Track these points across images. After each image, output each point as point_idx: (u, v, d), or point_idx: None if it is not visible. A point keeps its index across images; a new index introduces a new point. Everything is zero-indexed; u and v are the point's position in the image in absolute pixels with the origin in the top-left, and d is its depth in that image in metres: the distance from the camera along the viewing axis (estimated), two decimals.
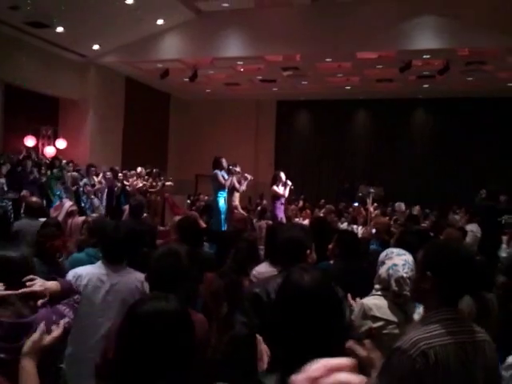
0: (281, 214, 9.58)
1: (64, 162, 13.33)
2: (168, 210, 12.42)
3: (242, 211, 9.45)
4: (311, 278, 1.62)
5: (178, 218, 5.62)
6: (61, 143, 15.33)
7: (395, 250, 2.99)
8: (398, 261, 2.86)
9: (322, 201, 13.52)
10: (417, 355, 1.81)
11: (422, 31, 13.55)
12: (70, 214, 6.09)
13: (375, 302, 2.83)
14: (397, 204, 11.76)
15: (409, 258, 2.88)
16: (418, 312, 2.86)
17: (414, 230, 4.75)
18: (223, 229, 9.06)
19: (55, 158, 13.62)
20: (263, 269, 3.62)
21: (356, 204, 12.01)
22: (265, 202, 13.83)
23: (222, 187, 9.40)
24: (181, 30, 14.96)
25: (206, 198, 14.28)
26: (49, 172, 12.21)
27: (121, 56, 15.61)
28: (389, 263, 2.88)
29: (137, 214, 5.00)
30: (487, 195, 8.32)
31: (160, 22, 14.42)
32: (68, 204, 6.60)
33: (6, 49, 12.95)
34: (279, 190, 9.64)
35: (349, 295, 2.92)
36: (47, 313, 2.14)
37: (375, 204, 12.14)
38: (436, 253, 2.05)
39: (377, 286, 2.92)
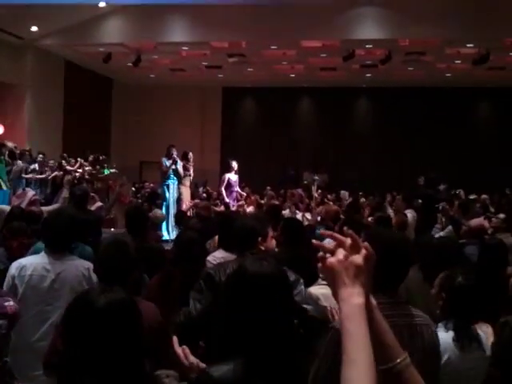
0: (232, 202, 9.64)
1: (13, 146, 12.76)
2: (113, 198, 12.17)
3: (188, 199, 9.42)
4: (264, 264, 1.67)
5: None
6: None
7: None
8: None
9: (268, 188, 13.61)
10: None
11: (365, 21, 13.84)
12: (32, 203, 5.96)
13: (322, 292, 2.87)
14: (342, 192, 11.98)
15: None
16: None
17: (354, 219, 4.89)
18: (168, 218, 9.04)
19: (1, 144, 13.05)
20: (219, 254, 3.64)
21: (298, 190, 12.14)
22: (209, 188, 13.77)
23: (163, 174, 9.41)
24: (124, 13, 14.60)
25: (152, 185, 14.10)
26: None
27: (60, 39, 15.06)
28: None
29: (81, 203, 4.89)
30: (426, 183, 8.60)
31: (102, 4, 13.99)
32: (31, 193, 6.48)
33: None
34: (232, 177, 9.70)
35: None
36: None
37: (319, 191, 12.35)
38: (371, 240, 2.10)
39: (322, 275, 2.96)
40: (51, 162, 12.55)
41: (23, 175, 11.28)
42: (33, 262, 3.18)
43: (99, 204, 6.34)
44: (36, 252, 3.67)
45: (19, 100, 15.35)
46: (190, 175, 9.87)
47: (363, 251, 1.25)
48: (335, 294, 1.21)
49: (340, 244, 1.23)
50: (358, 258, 1.23)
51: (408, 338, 1.96)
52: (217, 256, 3.62)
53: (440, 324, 2.55)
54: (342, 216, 6.04)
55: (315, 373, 1.87)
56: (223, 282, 2.55)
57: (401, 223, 5.94)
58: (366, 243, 1.30)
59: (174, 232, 8.55)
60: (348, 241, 1.24)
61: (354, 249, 1.24)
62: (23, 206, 5.89)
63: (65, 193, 10.55)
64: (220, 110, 21.13)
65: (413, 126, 18.70)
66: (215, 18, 13.72)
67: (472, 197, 8.12)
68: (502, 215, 7.07)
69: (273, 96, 19.79)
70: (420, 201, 7.94)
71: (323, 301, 2.86)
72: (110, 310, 1.53)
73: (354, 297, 1.19)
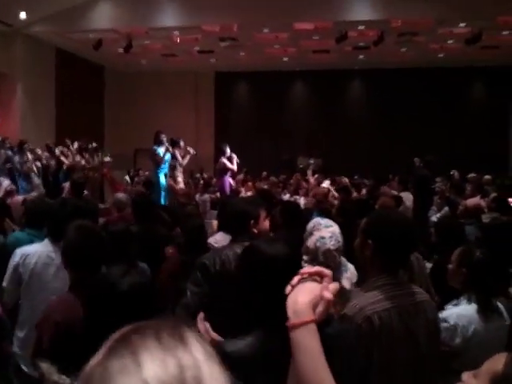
0: (228, 188, 9.60)
1: None
2: (107, 187, 12.13)
3: (182, 186, 9.37)
4: (277, 247, 1.73)
5: (120, 194, 5.54)
6: None
7: (323, 222, 3.04)
8: (326, 233, 2.93)
9: (264, 173, 13.62)
10: (362, 321, 1.89)
11: (357, 2, 13.78)
12: (8, 194, 5.93)
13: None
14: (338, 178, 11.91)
15: (335, 229, 2.95)
16: (345, 277, 3.00)
17: (353, 200, 4.89)
18: (163, 204, 8.98)
19: None
20: (220, 237, 3.68)
21: (296, 175, 12.15)
22: (205, 175, 13.76)
23: (159, 163, 9.28)
24: None
25: (147, 173, 14.04)
26: None
27: (50, 25, 14.87)
28: (316, 235, 2.94)
29: (79, 192, 4.88)
30: (424, 165, 8.59)
31: None
32: (6, 183, 6.41)
33: None
34: (228, 162, 9.64)
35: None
36: None
37: (316, 175, 12.34)
38: (378, 222, 2.13)
39: (305, 257, 2.97)
40: (38, 151, 12.39)
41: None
42: (37, 250, 3.18)
43: (84, 193, 6.33)
44: (18, 239, 3.70)
45: (11, 89, 15.19)
46: (183, 163, 9.77)
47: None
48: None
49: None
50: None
51: (414, 316, 2.01)
52: (218, 239, 3.66)
53: (462, 298, 2.67)
54: (330, 198, 6.05)
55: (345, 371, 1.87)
56: (218, 271, 2.62)
57: (384, 206, 5.90)
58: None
59: None
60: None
61: None
62: None
63: (36, 179, 10.50)
64: (213, 95, 21.00)
65: (406, 107, 18.67)
66: (206, 1, 13.58)
67: (472, 174, 8.11)
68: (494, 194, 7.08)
69: (266, 80, 19.68)
70: (414, 183, 7.94)
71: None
72: (132, 293, 1.58)
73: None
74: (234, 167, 9.77)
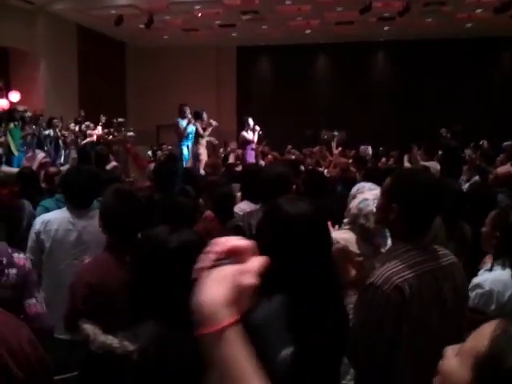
0: (251, 160, 9.57)
1: (28, 114, 12.75)
2: (131, 162, 12.16)
3: (205, 158, 9.35)
4: (301, 205, 1.64)
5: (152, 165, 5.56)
6: (14, 96, 14.64)
7: (367, 185, 2.98)
8: (369, 195, 2.85)
9: (289, 146, 13.52)
10: (391, 290, 1.79)
11: None
12: (42, 166, 5.98)
13: (343, 236, 2.81)
14: (361, 148, 11.74)
15: (379, 192, 2.86)
16: (388, 243, 2.91)
17: (381, 168, 4.78)
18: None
19: (14, 109, 13.03)
20: (245, 205, 3.61)
21: (318, 147, 11.99)
22: (229, 148, 13.67)
23: (181, 136, 9.32)
24: None
25: (170, 147, 14.04)
26: (11, 125, 11.71)
27: (71, 2, 14.82)
28: (360, 197, 2.86)
29: (102, 163, 4.88)
30: (452, 135, 8.38)
31: None
32: (41, 155, 6.52)
33: None
34: (248, 135, 9.61)
35: (329, 222, 2.91)
36: None
37: (339, 148, 12.18)
38: (402, 182, 2.00)
39: (345, 220, 2.91)
40: (71, 125, 12.59)
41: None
42: (57, 217, 3.15)
43: (114, 163, 6.34)
44: (46, 208, 3.70)
45: (34, 66, 15.25)
46: (206, 134, 9.77)
47: None
48: None
49: None
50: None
51: (442, 280, 1.92)
52: (242, 207, 3.59)
53: (496, 263, 2.56)
54: (351, 168, 5.95)
55: (371, 343, 1.82)
56: (253, 235, 2.48)
57: None
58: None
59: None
60: None
61: None
62: (34, 167, 5.90)
63: (72, 153, 10.60)
64: (235, 70, 20.81)
65: (433, 79, 18.20)
66: None
67: (508, 143, 7.85)
68: None
69: (288, 54, 19.40)
70: (441, 152, 7.75)
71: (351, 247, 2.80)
72: (182, 251, 1.52)
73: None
74: (254, 139, 9.73)
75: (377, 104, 18.90)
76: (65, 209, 3.21)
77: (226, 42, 19.57)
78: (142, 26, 16.06)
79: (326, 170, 8.21)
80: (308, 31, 18.11)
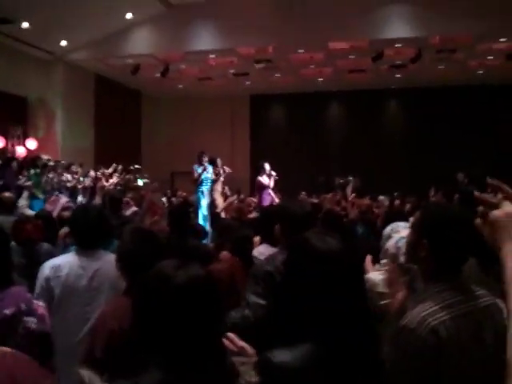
0: (267, 203, 9.52)
1: (51, 162, 13.03)
2: (145, 210, 12.14)
3: (220, 204, 9.31)
4: (330, 241, 1.52)
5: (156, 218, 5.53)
6: (31, 143, 14.90)
7: (401, 224, 2.89)
8: (406, 234, 2.74)
9: (303, 193, 13.46)
10: (426, 333, 1.65)
11: (394, 20, 13.61)
12: (65, 209, 5.93)
13: (382, 278, 2.69)
14: (380, 198, 11.64)
15: None
16: None
17: (399, 210, 4.68)
18: (203, 223, 8.94)
19: (37, 157, 13.29)
20: (264, 249, 3.46)
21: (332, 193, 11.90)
22: (242, 196, 13.64)
23: (195, 182, 9.43)
24: (151, 23, 14.70)
25: (184, 194, 14.06)
26: (32, 171, 11.94)
27: (89, 52, 15.26)
28: (396, 236, 2.73)
29: (115, 207, 4.81)
30: (470, 180, 8.24)
31: (129, 15, 14.13)
32: (64, 199, 6.47)
33: None
34: (264, 180, 9.63)
35: (368, 257, 2.78)
36: None
37: (354, 194, 12.07)
38: (432, 216, 1.88)
39: (383, 261, 2.78)
40: (91, 173, 12.80)
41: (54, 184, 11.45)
42: (68, 261, 3.02)
43: (134, 209, 6.28)
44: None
45: (51, 114, 15.56)
46: (220, 180, 9.82)
47: None
48: (498, 250, 1.07)
49: (508, 197, 1.07)
50: None
51: (482, 323, 1.76)
52: (261, 251, 3.45)
53: None
54: (374, 209, 5.85)
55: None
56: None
57: None
58: None
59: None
60: None
61: None
62: (55, 212, 5.84)
63: (97, 199, 10.58)
64: (248, 118, 21.07)
65: (446, 126, 18.20)
66: (241, 23, 13.69)
67: None
68: None
69: (301, 102, 19.64)
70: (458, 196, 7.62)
71: (382, 287, 2.65)
72: (189, 287, 1.37)
73: None
74: (271, 183, 9.73)
75: (389, 151, 18.91)
76: (73, 253, 3.08)
77: (240, 91, 19.88)
78: (157, 75, 16.39)
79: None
80: (321, 79, 18.36)
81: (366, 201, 7.39)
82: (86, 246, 3.04)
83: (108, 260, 3.02)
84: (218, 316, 1.42)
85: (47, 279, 2.94)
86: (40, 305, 2.14)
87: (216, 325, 1.40)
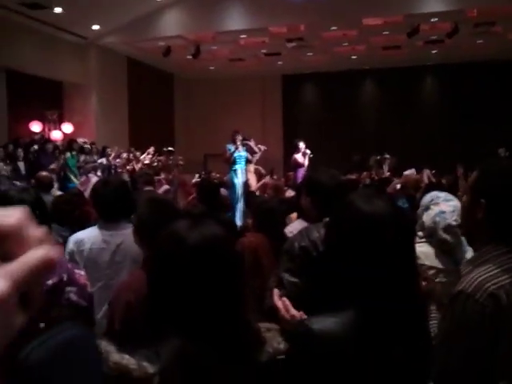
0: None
1: (87, 145, 13.26)
2: (179, 189, 12.25)
3: (254, 183, 9.30)
4: (378, 203, 1.41)
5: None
6: (67, 127, 15.15)
7: (442, 195, 2.72)
8: (446, 207, 2.60)
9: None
10: (485, 298, 1.52)
11: None
12: None
13: (422, 250, 2.56)
14: (406, 172, 11.42)
15: (457, 203, 2.60)
16: (468, 257, 2.66)
17: (439, 183, 4.57)
18: (238, 203, 8.96)
19: (73, 140, 13.51)
20: (298, 225, 3.30)
21: (366, 173, 11.77)
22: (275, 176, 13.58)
23: (227, 161, 9.39)
24: (180, 5, 14.63)
25: (218, 175, 14.10)
26: (68, 154, 12.18)
27: (121, 36, 15.33)
28: (435, 209, 2.62)
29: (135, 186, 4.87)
30: (511, 154, 8.00)
31: None
32: (95, 179, 6.55)
33: (3, 33, 12.69)
34: (300, 158, 9.60)
35: None
36: None
37: (389, 173, 11.90)
38: (490, 174, 1.72)
39: (420, 233, 2.68)
40: (124, 154, 12.99)
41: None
42: (90, 235, 3.02)
43: (166, 187, 6.32)
44: None
45: (86, 99, 15.76)
46: (254, 160, 9.80)
47: None
48: None
49: None
50: None
51: None
52: (296, 227, 3.36)
53: None
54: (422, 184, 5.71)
55: (463, 365, 1.53)
56: (321, 253, 2.08)
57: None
58: None
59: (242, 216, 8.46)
60: None
61: None
62: (87, 193, 5.89)
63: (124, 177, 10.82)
64: (281, 99, 20.88)
65: (484, 102, 17.66)
66: (272, 2, 13.48)
67: None
68: None
69: (334, 81, 19.33)
70: None
71: (424, 259, 2.57)
72: (204, 247, 1.27)
73: None
74: (306, 162, 9.68)
75: (427, 129, 18.46)
76: (96, 227, 3.08)
77: (272, 71, 19.70)
78: (189, 56, 16.38)
79: None
80: (354, 57, 18.02)
81: (415, 176, 7.18)
82: (108, 218, 3.02)
83: (130, 233, 3.03)
84: (237, 279, 1.32)
85: (71, 253, 2.97)
86: (82, 274, 2.13)
87: (236, 289, 1.32)
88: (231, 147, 9.37)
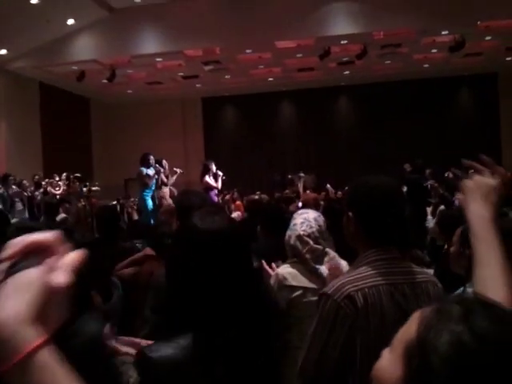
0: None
1: None
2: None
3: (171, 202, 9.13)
4: (216, 219, 1.44)
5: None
6: None
7: (300, 211, 2.90)
8: (298, 220, 2.75)
9: (258, 192, 13.45)
10: (341, 299, 1.63)
11: (338, 17, 13.77)
12: None
13: (289, 271, 2.68)
14: (328, 186, 11.78)
15: (310, 215, 2.76)
16: (322, 267, 2.76)
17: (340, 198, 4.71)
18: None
19: None
20: None
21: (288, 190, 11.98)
22: None
23: (145, 186, 9.08)
24: (94, 29, 14.38)
25: (137, 200, 13.82)
26: None
27: (31, 60, 14.80)
28: (290, 225, 2.77)
29: (51, 212, 4.66)
30: (413, 169, 8.46)
31: (71, 21, 13.79)
32: None
33: None
34: (211, 181, 9.43)
35: (263, 262, 2.78)
36: None
37: (307, 191, 12.13)
38: (355, 190, 1.86)
39: (289, 254, 2.78)
40: (24, 181, 12.32)
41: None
42: None
43: (63, 215, 6.15)
44: None
45: None
46: (169, 183, 9.64)
47: (498, 176, 1.36)
48: (467, 210, 1.31)
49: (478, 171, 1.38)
50: (491, 180, 1.35)
51: (411, 298, 1.70)
52: None
53: (468, 285, 2.24)
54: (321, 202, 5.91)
55: (318, 356, 1.64)
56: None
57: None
58: (501, 169, 1.40)
59: None
60: (485, 169, 1.38)
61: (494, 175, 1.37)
62: None
63: (18, 206, 10.38)
64: (201, 121, 20.94)
65: (395, 119, 18.63)
66: (186, 25, 13.56)
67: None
68: None
69: (253, 102, 19.65)
70: (406, 187, 7.75)
71: (291, 280, 2.64)
72: (213, 233, 1.39)
73: (482, 210, 1.28)
74: (218, 185, 9.58)
75: (342, 147, 19.17)
76: None
77: (191, 94, 19.73)
78: (104, 80, 16.07)
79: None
80: (270, 79, 18.41)
81: (312, 194, 7.43)
82: None
83: None
84: (245, 267, 1.43)
85: None
86: None
87: (246, 276, 1.42)
88: (148, 171, 9.09)
